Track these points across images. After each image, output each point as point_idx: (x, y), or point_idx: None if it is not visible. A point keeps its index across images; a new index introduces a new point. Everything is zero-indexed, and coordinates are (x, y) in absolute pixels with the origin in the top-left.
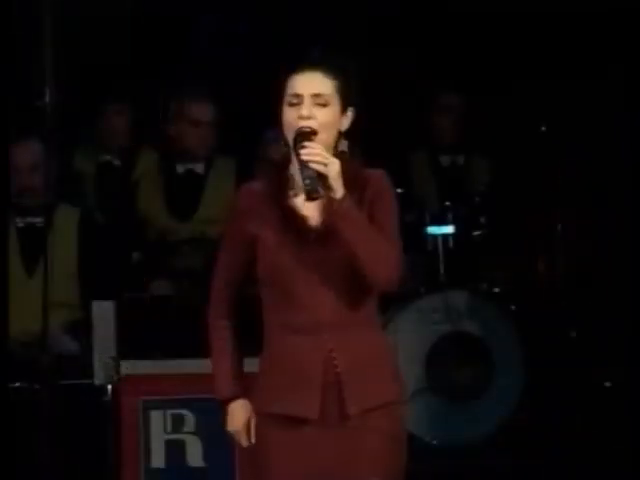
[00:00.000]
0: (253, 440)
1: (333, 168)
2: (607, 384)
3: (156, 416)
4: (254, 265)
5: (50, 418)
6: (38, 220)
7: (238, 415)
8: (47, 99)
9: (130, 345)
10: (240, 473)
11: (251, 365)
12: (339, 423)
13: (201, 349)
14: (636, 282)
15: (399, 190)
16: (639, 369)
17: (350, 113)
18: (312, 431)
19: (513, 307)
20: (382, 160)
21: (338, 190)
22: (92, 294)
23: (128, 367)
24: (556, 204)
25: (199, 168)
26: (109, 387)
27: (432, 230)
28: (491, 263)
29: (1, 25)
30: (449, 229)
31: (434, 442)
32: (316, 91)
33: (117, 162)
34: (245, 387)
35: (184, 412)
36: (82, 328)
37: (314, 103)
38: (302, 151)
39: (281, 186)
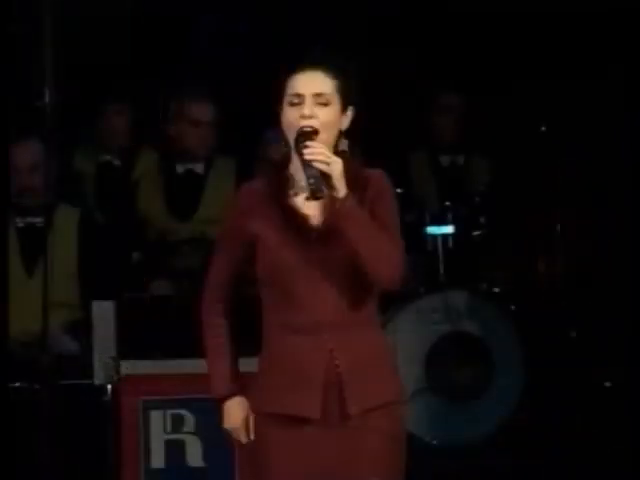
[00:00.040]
0: (252, 437)
1: (336, 167)
2: (607, 384)
3: (156, 416)
4: (250, 265)
5: (50, 418)
6: (38, 220)
7: (236, 412)
8: (47, 99)
9: (130, 345)
10: (240, 473)
11: (249, 365)
12: (340, 423)
13: (201, 349)
14: (636, 282)
15: (399, 190)
16: (639, 369)
17: (350, 112)
18: (313, 431)
19: (513, 307)
20: (382, 160)
21: (341, 189)
22: (92, 294)
23: (128, 367)
24: (556, 204)
25: (199, 168)
26: (109, 387)
27: (432, 230)
28: (491, 263)
29: (1, 25)
30: (449, 229)
31: (434, 442)
32: (317, 90)
33: (117, 162)
34: (241, 385)
35: (184, 412)
36: (82, 328)
37: (315, 102)
38: (305, 151)
39: (281, 186)
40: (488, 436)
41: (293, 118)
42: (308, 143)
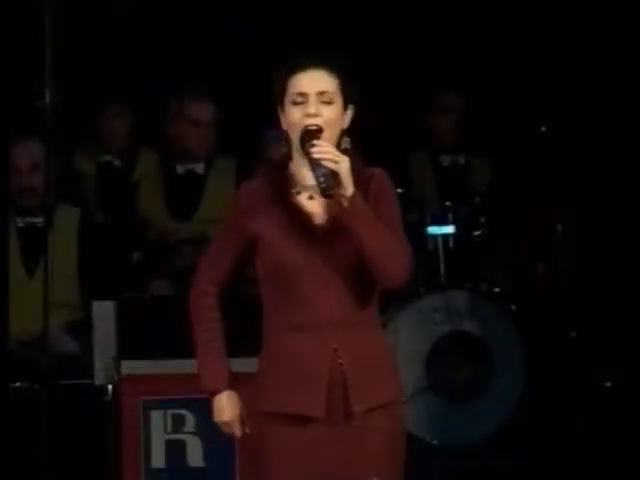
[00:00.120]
0: (247, 430)
1: (344, 165)
2: (607, 384)
3: (156, 416)
4: (250, 265)
5: (50, 418)
6: (38, 220)
7: (230, 405)
8: (47, 99)
9: (130, 345)
10: (240, 473)
11: (249, 365)
12: (343, 422)
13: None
14: (636, 282)
15: (399, 190)
16: (639, 369)
17: (350, 111)
18: (316, 429)
19: (513, 307)
20: (382, 160)
21: (348, 187)
22: (92, 294)
23: (128, 367)
24: (556, 204)
25: (199, 168)
26: (109, 387)
27: (432, 230)
28: (491, 263)
29: (1, 25)
30: (449, 229)
31: (434, 442)
32: (321, 89)
33: (117, 162)
34: (232, 380)
35: (184, 412)
36: (82, 328)
37: (319, 101)
38: (313, 149)
39: (284, 185)
40: (488, 436)
41: (298, 117)
42: (315, 142)
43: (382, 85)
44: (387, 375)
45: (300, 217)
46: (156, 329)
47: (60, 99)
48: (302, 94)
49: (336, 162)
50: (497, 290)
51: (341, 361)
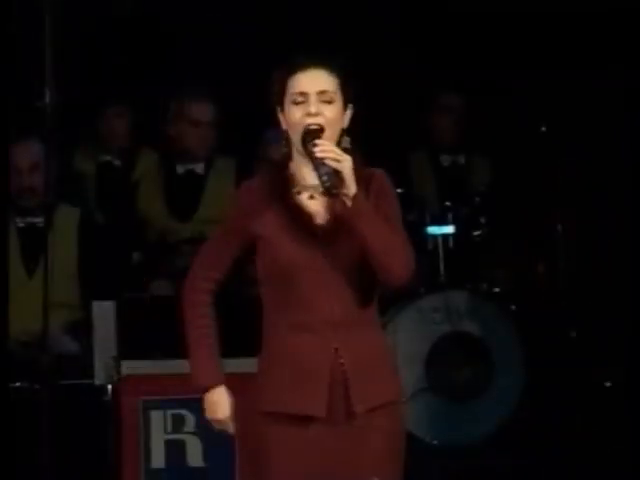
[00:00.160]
0: (240, 427)
1: (347, 165)
2: (607, 384)
3: (156, 416)
4: (250, 265)
5: (50, 418)
6: (38, 220)
7: (222, 402)
8: (47, 99)
9: (130, 345)
10: (239, 473)
11: (249, 365)
12: (344, 421)
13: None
14: (636, 282)
15: (399, 190)
16: (639, 369)
17: (350, 110)
18: (317, 429)
19: (513, 307)
20: (382, 160)
21: (351, 186)
22: (92, 294)
23: (128, 367)
24: (556, 204)
25: (199, 168)
26: (109, 387)
27: (432, 230)
28: (491, 263)
29: (1, 25)
30: (449, 229)
31: (434, 442)
32: (322, 88)
33: (117, 162)
34: (224, 377)
35: (184, 412)
36: (82, 328)
37: (320, 100)
38: (315, 149)
39: (284, 185)
40: (488, 436)
41: (298, 116)
42: (317, 141)
43: (382, 85)
44: (387, 375)
45: (301, 217)
46: (156, 329)
47: (60, 99)
48: (303, 94)
49: (339, 161)
50: (497, 290)
51: (342, 361)
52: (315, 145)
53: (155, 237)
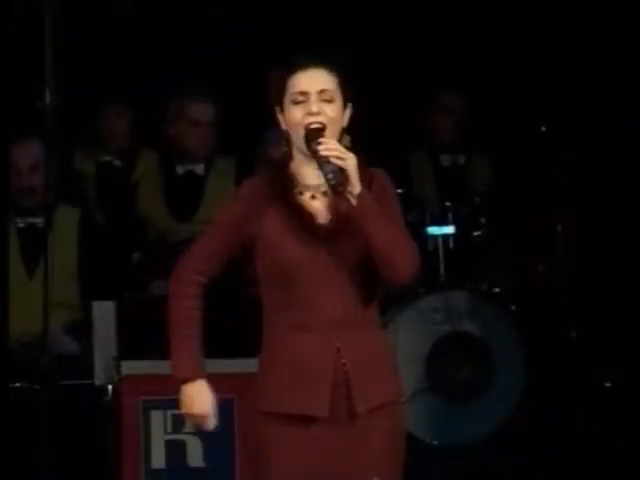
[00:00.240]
0: (217, 423)
1: (351, 162)
2: (607, 384)
3: (156, 416)
4: (250, 265)
5: (50, 418)
6: (38, 220)
7: (201, 397)
8: (47, 99)
9: (130, 345)
10: (241, 473)
11: (249, 366)
12: (347, 421)
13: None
14: (636, 282)
15: (399, 190)
16: (639, 369)
17: (349, 109)
18: (318, 429)
19: (513, 307)
20: (382, 160)
21: (356, 184)
22: (92, 294)
23: (128, 367)
24: (556, 204)
25: (199, 169)
26: (109, 387)
27: (432, 230)
28: (491, 263)
29: (1, 25)
30: (449, 229)
31: (434, 442)
32: (322, 87)
33: (117, 162)
34: (205, 372)
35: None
36: (82, 328)
37: (320, 99)
38: (320, 147)
39: (286, 184)
40: (488, 436)
41: (299, 116)
42: (321, 140)
43: (382, 85)
44: (388, 375)
45: (303, 217)
46: (156, 329)
47: (60, 99)
48: (303, 93)
49: (343, 159)
50: (497, 290)
51: (344, 361)
52: (319, 144)
53: (155, 237)
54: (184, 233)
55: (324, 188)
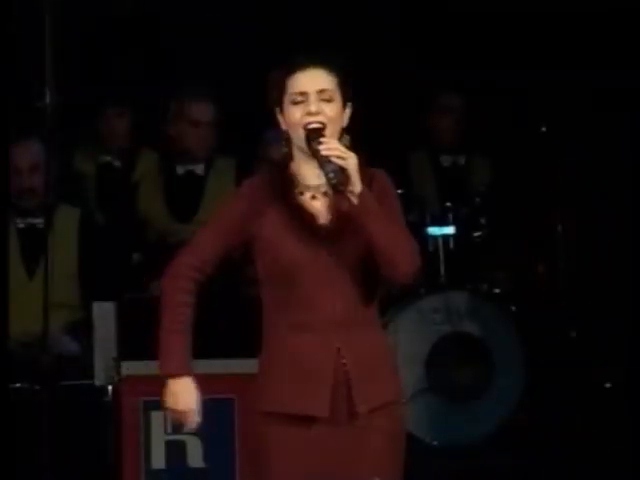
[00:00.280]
0: (200, 420)
1: (352, 162)
2: (607, 384)
3: (157, 417)
4: (250, 265)
5: (50, 419)
6: (38, 221)
7: (189, 394)
8: (47, 99)
9: (131, 346)
10: (241, 473)
11: (249, 366)
12: (347, 422)
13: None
14: (636, 282)
15: (399, 191)
16: (639, 369)
17: (349, 109)
18: (319, 429)
19: (513, 307)
20: (382, 160)
21: (357, 183)
22: (92, 295)
23: (129, 368)
24: (556, 204)
25: (199, 169)
26: (109, 388)
27: (432, 231)
28: (491, 263)
29: (1, 25)
30: (449, 230)
31: (434, 443)
32: (321, 87)
33: (117, 163)
34: (192, 370)
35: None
36: (83, 329)
37: (319, 99)
38: (320, 147)
39: (286, 185)
40: (488, 436)
41: (298, 116)
42: (322, 139)
43: (382, 85)
44: (388, 375)
45: (304, 217)
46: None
47: (60, 99)
48: (302, 93)
49: (344, 158)
50: (497, 291)
51: (345, 361)
52: (320, 143)
53: (155, 238)
54: (184, 233)
55: (324, 188)
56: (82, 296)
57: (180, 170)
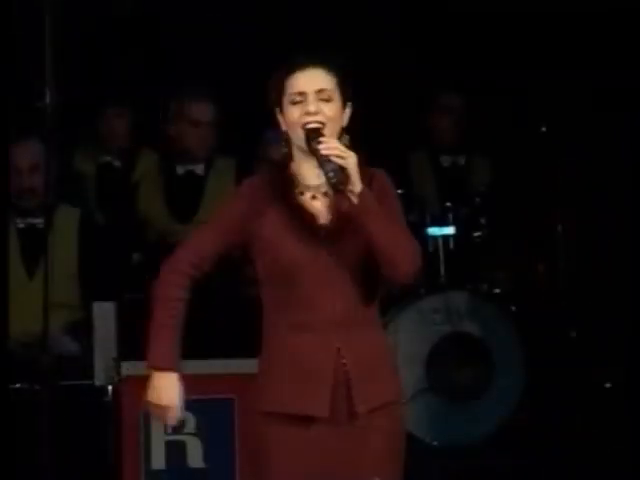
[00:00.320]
0: (181, 418)
1: (351, 161)
2: (607, 384)
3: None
4: (250, 265)
5: (50, 419)
6: (38, 221)
7: (173, 389)
8: (47, 99)
9: (131, 346)
10: (241, 473)
11: (249, 366)
12: (347, 422)
13: (201, 350)
14: (636, 282)
15: (399, 191)
16: (639, 369)
17: (349, 109)
18: (319, 429)
19: (513, 307)
20: (382, 160)
21: (357, 183)
22: (92, 295)
23: (129, 368)
24: (556, 204)
25: (199, 169)
26: (109, 388)
27: (432, 231)
28: (491, 264)
29: (1, 25)
30: (449, 230)
31: (434, 443)
32: (320, 87)
33: (117, 163)
34: (179, 366)
35: (184, 413)
36: (83, 329)
37: (318, 99)
38: (320, 146)
39: (287, 185)
40: (488, 436)
41: (297, 116)
42: (322, 139)
43: (382, 85)
44: (388, 375)
45: (304, 217)
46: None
47: (60, 99)
48: (301, 93)
49: (344, 158)
50: (497, 291)
51: (344, 361)
52: (319, 142)
53: (155, 238)
54: (184, 234)
55: (325, 188)
56: (82, 296)
57: (180, 170)
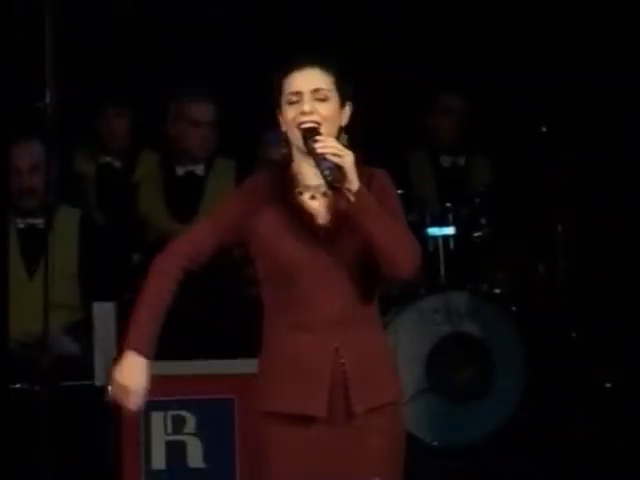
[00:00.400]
0: (140, 407)
1: (348, 159)
2: (607, 384)
3: (157, 417)
4: (250, 265)
5: (50, 419)
6: (38, 221)
7: (140, 374)
8: (47, 100)
9: None
10: (241, 473)
11: (249, 367)
12: (344, 422)
13: (202, 350)
14: (636, 282)
15: (399, 191)
16: (639, 369)
17: (348, 108)
18: (317, 429)
19: (513, 308)
20: (382, 160)
21: (354, 181)
22: (93, 295)
23: None
24: (556, 204)
25: (199, 170)
26: (110, 388)
27: (432, 231)
28: (491, 264)
29: (1, 25)
30: (450, 230)
31: (434, 443)
32: (316, 86)
33: (117, 163)
34: (152, 355)
35: (185, 413)
36: (83, 329)
37: (314, 98)
38: (317, 145)
39: (287, 185)
40: (488, 436)
41: (292, 115)
42: (318, 137)
43: (382, 85)
44: (387, 375)
45: (303, 217)
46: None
47: (60, 99)
48: (297, 93)
49: (340, 156)
50: (497, 291)
51: (343, 361)
52: (316, 141)
53: (155, 238)
54: None
55: (324, 188)
56: (82, 296)
57: (180, 171)
